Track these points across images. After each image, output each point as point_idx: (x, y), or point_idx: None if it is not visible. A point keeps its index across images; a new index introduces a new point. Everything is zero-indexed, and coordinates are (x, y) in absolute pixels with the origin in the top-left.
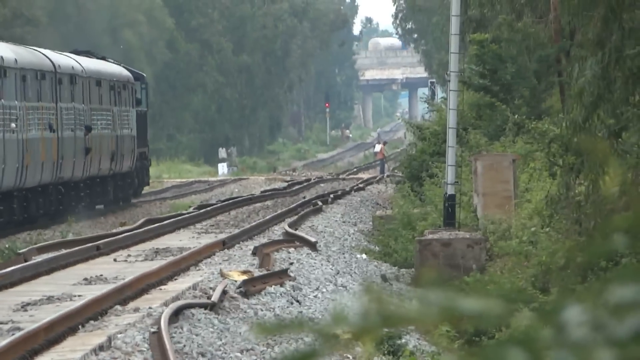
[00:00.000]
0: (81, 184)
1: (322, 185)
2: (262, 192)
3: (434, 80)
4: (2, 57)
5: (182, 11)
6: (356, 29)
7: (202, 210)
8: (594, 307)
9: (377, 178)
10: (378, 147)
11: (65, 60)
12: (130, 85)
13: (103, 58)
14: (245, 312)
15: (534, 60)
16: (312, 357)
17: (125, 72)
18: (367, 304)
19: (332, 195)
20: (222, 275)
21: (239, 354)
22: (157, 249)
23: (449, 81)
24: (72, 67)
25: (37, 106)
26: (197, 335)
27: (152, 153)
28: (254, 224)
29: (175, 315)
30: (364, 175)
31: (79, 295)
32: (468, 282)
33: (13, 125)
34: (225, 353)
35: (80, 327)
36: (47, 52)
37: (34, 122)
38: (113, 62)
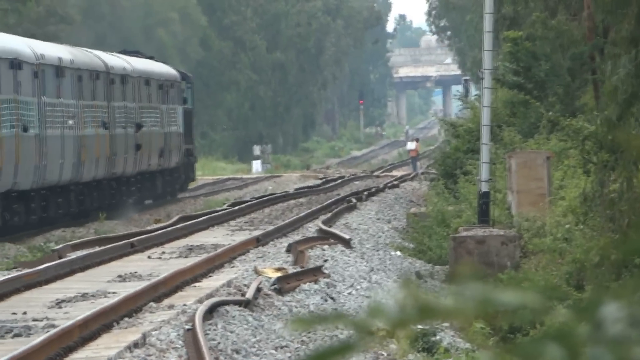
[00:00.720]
0: (132, 179)
1: (356, 182)
2: (296, 189)
3: (467, 77)
4: (60, 58)
5: (215, 9)
6: (390, 27)
7: (236, 208)
8: (630, 304)
9: (411, 175)
10: (413, 145)
11: (117, 60)
12: (177, 84)
13: (151, 58)
14: (279, 309)
15: (567, 58)
16: (347, 352)
17: (172, 72)
18: (404, 298)
19: (366, 193)
20: (257, 272)
21: (273, 351)
22: (191, 246)
23: (483, 79)
24: (124, 67)
25: (92, 105)
26: (231, 332)
27: None
28: (288, 221)
29: (210, 313)
30: (398, 173)
31: (114, 293)
32: (502, 280)
33: (70, 122)
34: (260, 350)
35: (114, 324)
36: (100, 53)
37: (89, 120)
38: (160, 62)
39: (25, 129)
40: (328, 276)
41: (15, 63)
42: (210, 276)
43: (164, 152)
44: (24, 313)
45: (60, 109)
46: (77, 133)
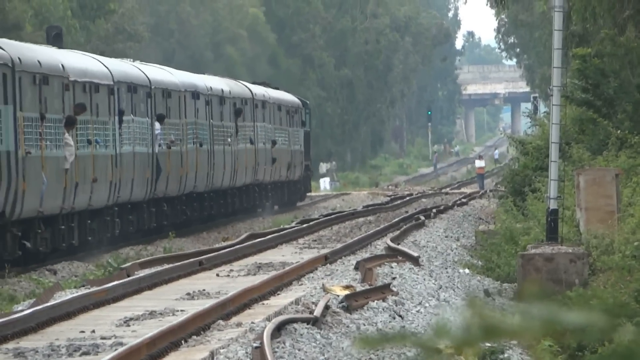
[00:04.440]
0: (269, 186)
1: (424, 200)
2: (364, 207)
3: (536, 94)
4: (222, 89)
5: (283, 27)
6: (458, 44)
7: (304, 225)
8: None
9: (480, 193)
10: (482, 162)
11: (259, 89)
12: (299, 110)
13: (277, 88)
14: (347, 327)
15: (637, 75)
16: None
17: (296, 99)
18: (470, 318)
19: (434, 210)
20: (325, 290)
21: None
22: (259, 263)
23: (552, 96)
24: (263, 94)
25: (243, 125)
26: (299, 350)
27: None
28: (356, 238)
29: (278, 330)
30: (467, 190)
31: (182, 310)
32: (571, 297)
33: (229, 139)
34: None
35: (182, 342)
36: (247, 84)
37: (241, 138)
38: (284, 92)
39: (201, 144)
40: (396, 294)
41: (195, 94)
42: (278, 294)
43: (291, 166)
44: (92, 331)
45: (223, 129)
46: (233, 148)
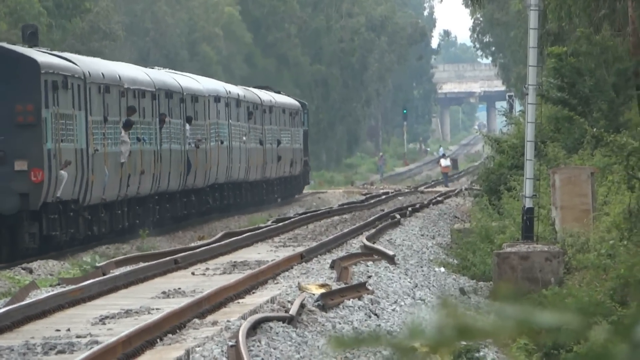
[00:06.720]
0: (275, 182)
1: (400, 198)
2: (340, 205)
3: (512, 93)
4: (238, 94)
5: (259, 26)
6: (434, 43)
7: (280, 224)
8: None
9: (456, 191)
10: (448, 161)
11: (267, 96)
12: (300, 112)
13: (279, 92)
14: (323, 325)
15: (612, 74)
16: None
17: (296, 102)
18: (444, 318)
19: (410, 209)
20: (300, 288)
21: None
22: (235, 262)
23: (527, 94)
24: (270, 100)
25: (254, 127)
26: (275, 348)
27: None
28: (332, 237)
29: (253, 329)
30: (442, 189)
31: (157, 309)
32: (546, 296)
33: (244, 138)
34: None
35: (158, 340)
36: (256, 90)
37: (253, 137)
38: (286, 95)
39: (222, 142)
40: (372, 292)
41: (217, 98)
42: (253, 292)
43: (293, 163)
44: (68, 330)
45: (239, 129)
46: (246, 146)
